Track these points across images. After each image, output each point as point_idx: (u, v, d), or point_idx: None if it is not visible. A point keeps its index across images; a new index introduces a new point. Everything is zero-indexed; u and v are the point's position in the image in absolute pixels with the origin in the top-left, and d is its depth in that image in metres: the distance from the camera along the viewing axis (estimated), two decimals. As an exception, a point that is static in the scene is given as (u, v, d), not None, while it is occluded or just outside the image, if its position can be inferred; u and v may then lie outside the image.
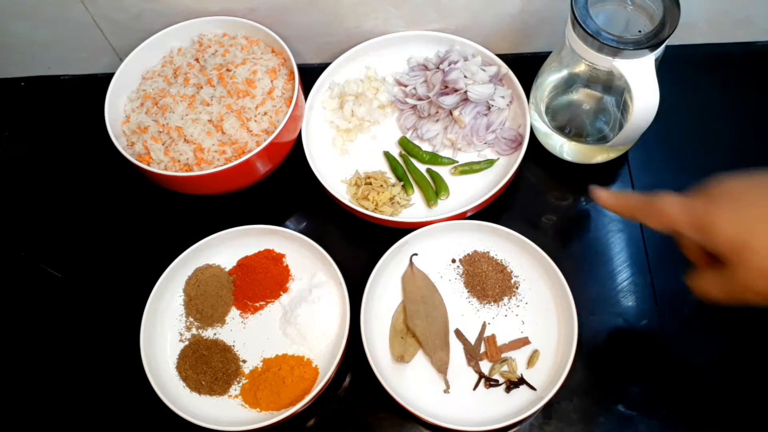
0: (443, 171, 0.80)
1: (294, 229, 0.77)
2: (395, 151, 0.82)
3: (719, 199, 0.51)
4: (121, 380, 0.73)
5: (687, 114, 0.82)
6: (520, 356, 0.70)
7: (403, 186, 0.79)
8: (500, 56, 0.81)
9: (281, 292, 0.75)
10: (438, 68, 0.80)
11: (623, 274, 0.74)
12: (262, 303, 0.75)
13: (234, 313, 0.75)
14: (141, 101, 0.80)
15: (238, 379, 0.72)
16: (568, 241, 0.78)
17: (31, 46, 0.88)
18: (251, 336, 0.74)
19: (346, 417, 0.71)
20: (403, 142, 0.82)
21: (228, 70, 0.78)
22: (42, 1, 0.80)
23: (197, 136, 0.76)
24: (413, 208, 0.79)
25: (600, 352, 0.71)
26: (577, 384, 0.69)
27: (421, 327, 0.71)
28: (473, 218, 0.75)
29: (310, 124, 0.82)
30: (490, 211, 0.77)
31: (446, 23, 0.83)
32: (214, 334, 0.74)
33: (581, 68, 0.71)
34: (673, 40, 0.63)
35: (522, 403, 0.67)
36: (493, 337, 0.71)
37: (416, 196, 0.80)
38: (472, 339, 0.71)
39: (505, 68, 0.81)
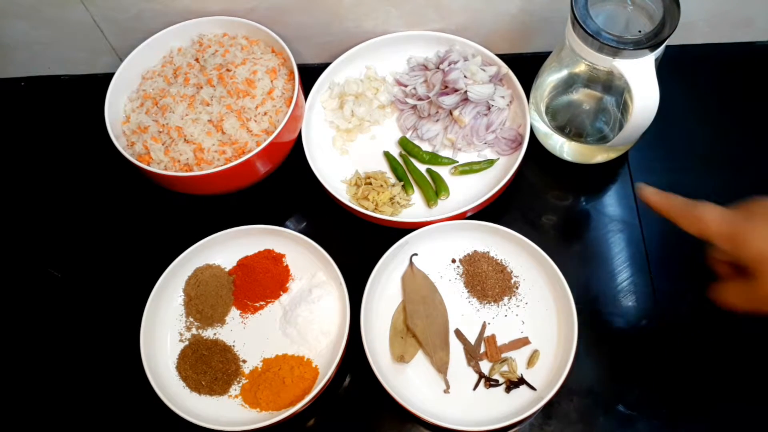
0: (443, 171, 0.80)
1: (294, 229, 0.77)
2: (395, 151, 0.82)
3: (756, 216, 0.54)
4: (121, 380, 0.73)
5: (687, 114, 0.82)
6: (520, 356, 0.70)
7: (403, 186, 0.79)
8: (500, 56, 0.81)
9: (281, 292, 0.75)
10: (438, 68, 0.80)
11: (623, 274, 0.74)
12: (262, 303, 0.75)
13: (234, 313, 0.75)
14: (141, 101, 0.80)
15: (238, 379, 0.72)
16: (568, 241, 0.78)
17: (31, 46, 0.88)
18: (251, 336, 0.74)
19: (346, 417, 0.71)
20: (403, 142, 0.82)
21: (228, 70, 0.78)
22: (42, 1, 0.80)
23: (197, 136, 0.76)
24: (413, 208, 0.79)
25: (600, 353, 0.71)
26: (577, 384, 0.69)
27: (421, 327, 0.71)
28: (473, 218, 0.75)
29: (310, 124, 0.82)
30: (490, 211, 0.77)
31: (446, 23, 0.83)
32: (214, 334, 0.74)
33: (581, 68, 0.71)
34: (673, 40, 0.63)
35: (522, 403, 0.67)
36: (493, 337, 0.71)
37: (416, 196, 0.80)
38: (472, 339, 0.71)
39: (505, 68, 0.81)
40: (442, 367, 0.70)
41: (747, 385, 0.68)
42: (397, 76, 0.85)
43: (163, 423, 0.69)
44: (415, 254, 0.75)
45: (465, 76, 0.78)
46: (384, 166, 0.82)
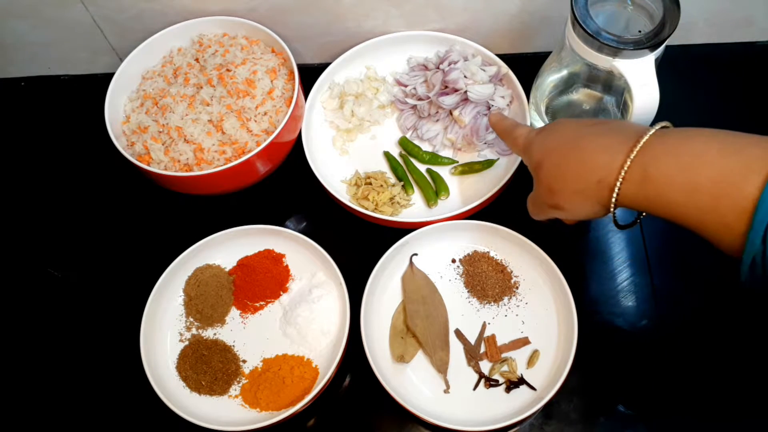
0: (443, 171, 0.80)
1: (294, 229, 0.77)
2: (395, 151, 0.82)
3: (543, 131, 0.61)
4: (121, 380, 0.73)
5: (687, 114, 0.82)
6: (520, 356, 0.70)
7: (403, 186, 0.79)
8: (500, 56, 0.81)
9: (281, 292, 0.75)
10: (438, 68, 0.80)
11: (623, 274, 0.74)
12: (262, 303, 0.75)
13: (234, 313, 0.75)
14: (141, 101, 0.80)
15: (238, 379, 0.72)
16: (568, 241, 0.78)
17: (31, 46, 0.88)
18: (251, 336, 0.74)
19: (346, 417, 0.71)
20: (403, 142, 0.82)
21: (228, 70, 0.78)
22: (42, 1, 0.80)
23: (197, 136, 0.76)
24: (413, 208, 0.79)
25: (600, 352, 0.71)
26: (577, 384, 0.69)
27: (421, 327, 0.71)
28: (473, 218, 0.75)
29: (310, 124, 0.82)
30: (490, 211, 0.77)
31: (446, 23, 0.83)
32: (214, 334, 0.74)
33: (581, 68, 0.71)
34: (673, 40, 0.63)
35: (522, 403, 0.67)
36: (493, 337, 0.71)
37: (416, 196, 0.80)
38: (472, 339, 0.71)
39: (505, 68, 0.81)
40: (442, 367, 0.70)
41: (747, 385, 0.68)
42: (397, 76, 0.85)
43: (163, 423, 0.69)
44: (415, 254, 0.75)
45: (465, 76, 0.78)
46: (384, 166, 0.82)
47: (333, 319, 0.73)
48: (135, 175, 0.80)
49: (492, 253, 0.75)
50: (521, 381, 0.69)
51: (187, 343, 0.74)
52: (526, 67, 0.80)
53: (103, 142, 0.77)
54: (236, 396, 0.71)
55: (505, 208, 0.78)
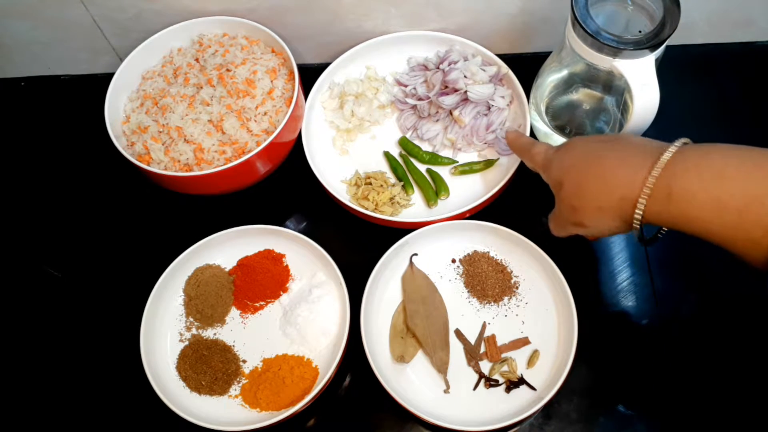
0: (443, 171, 0.80)
1: (294, 229, 0.77)
2: (395, 151, 0.82)
3: (561, 149, 0.62)
4: (121, 380, 0.73)
5: (687, 114, 0.82)
6: (520, 356, 0.70)
7: (403, 186, 0.79)
8: (500, 56, 0.81)
9: (281, 292, 0.75)
10: (438, 68, 0.80)
11: (623, 274, 0.74)
12: (262, 303, 0.75)
13: (234, 313, 0.75)
14: (141, 101, 0.80)
15: (238, 379, 0.72)
16: (568, 241, 0.77)
17: (31, 46, 0.88)
18: (251, 336, 0.74)
19: (346, 417, 0.71)
20: (403, 142, 0.82)
21: (228, 70, 0.78)
22: (42, 1, 0.80)
23: (197, 136, 0.76)
24: (413, 208, 0.79)
25: (600, 352, 0.71)
26: (577, 384, 0.69)
27: (421, 327, 0.71)
28: (473, 218, 0.75)
29: (310, 124, 0.82)
30: (490, 211, 0.77)
31: (446, 23, 0.83)
32: (214, 334, 0.74)
33: (581, 68, 0.71)
34: (673, 40, 0.63)
35: (522, 403, 0.67)
36: (493, 337, 0.71)
37: (416, 196, 0.80)
38: (472, 339, 0.71)
39: (505, 68, 0.81)
40: (442, 367, 0.70)
41: (747, 385, 0.68)
42: (397, 76, 0.85)
43: (163, 423, 0.69)
44: (415, 254, 0.75)
45: (465, 76, 0.78)
46: (384, 166, 0.82)
47: (333, 319, 0.73)
48: (135, 175, 0.80)
49: (492, 253, 0.75)
50: (521, 381, 0.69)
51: (187, 343, 0.74)
52: (526, 67, 0.80)
53: (103, 142, 0.77)
54: (236, 396, 0.71)
55: (505, 208, 0.78)
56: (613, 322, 0.72)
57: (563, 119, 0.78)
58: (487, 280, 0.73)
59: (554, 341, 0.70)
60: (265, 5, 0.81)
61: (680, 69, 0.81)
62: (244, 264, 0.77)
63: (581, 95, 0.76)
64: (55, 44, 0.87)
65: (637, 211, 0.53)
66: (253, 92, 0.77)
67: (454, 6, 0.80)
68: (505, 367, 0.70)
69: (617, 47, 0.63)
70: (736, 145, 0.52)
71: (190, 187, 0.77)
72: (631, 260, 0.75)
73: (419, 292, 0.73)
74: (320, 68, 0.84)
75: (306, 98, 0.82)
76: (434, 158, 0.80)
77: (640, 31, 0.64)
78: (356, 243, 0.78)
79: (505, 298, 0.73)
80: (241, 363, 0.72)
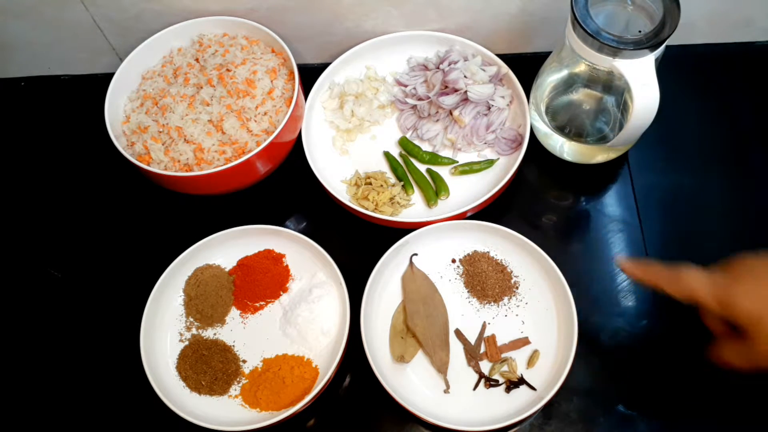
0: (443, 171, 0.80)
1: (294, 229, 0.77)
2: (395, 151, 0.82)
3: (742, 276, 0.55)
4: (121, 380, 0.73)
5: (687, 114, 0.82)
6: (520, 356, 0.70)
7: (403, 186, 0.79)
8: (500, 56, 0.81)
9: (281, 292, 0.75)
10: (438, 68, 0.80)
11: (623, 274, 0.74)
12: (262, 303, 0.75)
13: (234, 313, 0.75)
14: (141, 101, 0.80)
15: (238, 379, 0.72)
16: (568, 241, 0.78)
17: (31, 46, 0.88)
18: (251, 336, 0.74)
19: (346, 417, 0.71)
20: (403, 142, 0.82)
21: (228, 70, 0.78)
22: (42, 1, 0.80)
23: (197, 136, 0.76)
24: (413, 208, 0.79)
25: (600, 352, 0.71)
26: (577, 384, 0.69)
27: (421, 327, 0.71)
28: (473, 218, 0.75)
29: (310, 124, 0.82)
30: (490, 211, 0.77)
31: (446, 23, 0.83)
32: (214, 334, 0.74)
33: (581, 68, 0.71)
34: (673, 40, 0.63)
35: (522, 403, 0.67)
36: (493, 337, 0.71)
37: (416, 196, 0.80)
38: (472, 339, 0.71)
39: (505, 68, 0.81)
40: (442, 367, 0.70)
41: (747, 385, 0.68)
42: (397, 76, 0.85)
43: (163, 423, 0.69)
44: (415, 254, 0.75)
45: (465, 76, 0.78)
46: (384, 166, 0.82)
47: (333, 319, 0.73)
48: (135, 175, 0.80)
49: (492, 253, 0.75)
50: (521, 381, 0.69)
51: (187, 343, 0.74)
52: (526, 67, 0.80)
53: (103, 142, 0.77)
54: (236, 396, 0.71)
55: (505, 208, 0.78)
56: (613, 321, 0.72)
57: (563, 119, 0.78)
58: (487, 280, 0.73)
59: (554, 341, 0.70)
60: (265, 5, 0.81)
61: (680, 69, 0.81)
62: (244, 264, 0.77)
63: (581, 95, 0.76)
64: (55, 44, 0.87)
65: None
66: (253, 92, 0.77)
67: (454, 6, 0.80)
68: (505, 367, 0.70)
69: (617, 47, 0.63)
70: None
71: (190, 187, 0.77)
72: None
73: (419, 292, 0.73)
74: (320, 68, 0.84)
75: (306, 98, 0.82)
76: (434, 158, 0.80)
77: (640, 31, 0.64)
78: (356, 243, 0.78)
79: (505, 298, 0.73)
80: (241, 363, 0.72)
